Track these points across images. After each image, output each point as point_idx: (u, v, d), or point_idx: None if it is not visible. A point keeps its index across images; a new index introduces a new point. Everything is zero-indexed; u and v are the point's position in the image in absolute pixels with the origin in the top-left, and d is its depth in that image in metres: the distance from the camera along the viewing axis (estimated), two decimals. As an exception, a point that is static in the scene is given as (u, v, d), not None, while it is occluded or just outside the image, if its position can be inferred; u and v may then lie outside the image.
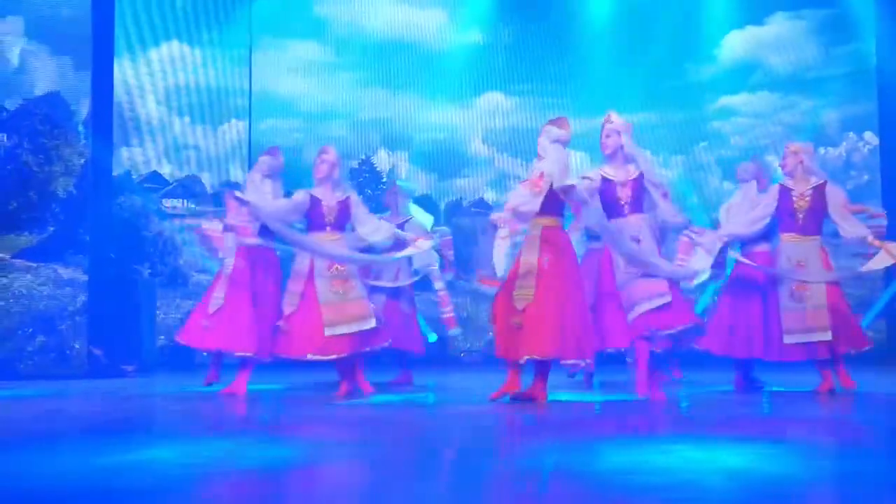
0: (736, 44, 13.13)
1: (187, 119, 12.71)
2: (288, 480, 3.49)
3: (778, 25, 13.07)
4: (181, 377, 9.58)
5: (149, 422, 5.66)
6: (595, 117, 12.90)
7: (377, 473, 3.65)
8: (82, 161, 9.66)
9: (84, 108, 9.77)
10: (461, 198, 13.19)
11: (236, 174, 12.79)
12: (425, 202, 13.08)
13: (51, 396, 7.30)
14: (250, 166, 12.70)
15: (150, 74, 12.63)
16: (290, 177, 12.90)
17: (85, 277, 9.63)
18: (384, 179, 13.17)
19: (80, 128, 9.73)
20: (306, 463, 3.88)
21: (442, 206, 12.98)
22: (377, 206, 13.05)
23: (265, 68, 12.98)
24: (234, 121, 12.81)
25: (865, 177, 12.79)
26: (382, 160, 13.22)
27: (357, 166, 13.17)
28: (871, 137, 12.83)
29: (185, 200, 12.59)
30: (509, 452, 4.21)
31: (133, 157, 12.46)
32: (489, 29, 13.31)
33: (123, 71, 12.12)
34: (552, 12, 13.25)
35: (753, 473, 3.50)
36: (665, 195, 6.88)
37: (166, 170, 12.65)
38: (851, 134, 12.90)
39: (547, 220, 6.64)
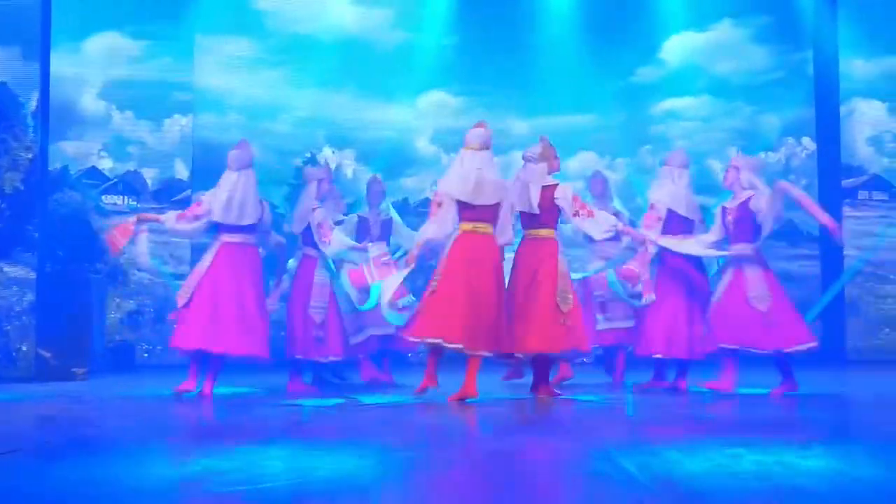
0: (680, 49, 13.29)
1: (129, 113, 12.39)
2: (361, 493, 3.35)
3: (721, 32, 13.26)
4: (135, 380, 9.33)
5: (160, 430, 5.40)
6: (539, 118, 13.09)
7: (450, 486, 3.54)
8: (30, 156, 9.32)
9: (33, 101, 9.42)
10: (407, 197, 13.10)
11: (180, 171, 12.50)
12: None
13: (21, 401, 7.01)
14: (194, 163, 12.49)
15: (89, 66, 12.30)
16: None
17: (33, 276, 9.30)
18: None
19: (29, 120, 9.37)
20: (366, 474, 3.71)
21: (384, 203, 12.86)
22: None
23: (208, 63, 12.73)
24: (176, 116, 12.53)
25: (804, 181, 13.05)
26: (327, 158, 13.04)
27: (301, 164, 12.97)
28: (808, 143, 13.11)
29: (126, 197, 12.28)
30: (573, 456, 4.15)
31: (71, 152, 12.12)
32: (435, 28, 13.24)
33: (62, 62, 11.75)
34: (497, 13, 13.23)
35: (844, 475, 3.52)
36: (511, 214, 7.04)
37: (106, 165, 12.32)
38: (790, 139, 13.16)
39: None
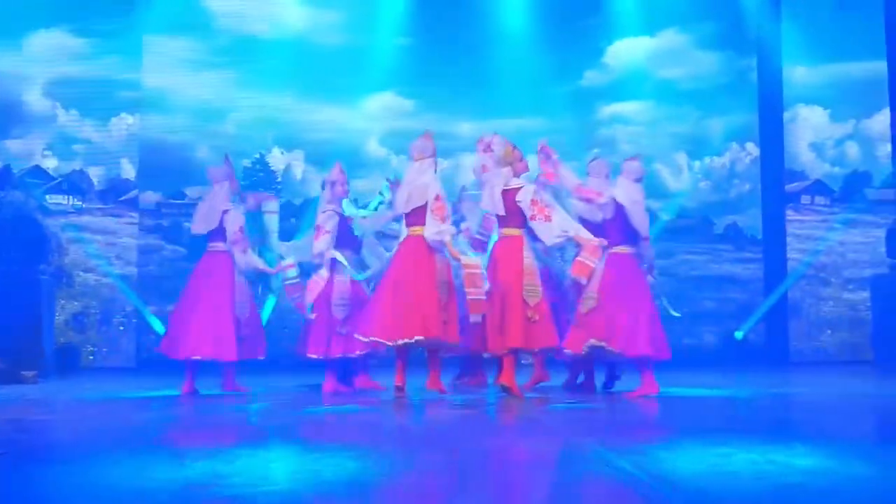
0: (627, 54, 13.41)
1: (74, 112, 12.19)
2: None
3: (667, 37, 13.43)
4: (89, 382, 9.16)
5: (144, 433, 5.27)
6: (488, 120, 13.13)
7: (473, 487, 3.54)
8: (-21, 155, 9.10)
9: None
10: (356, 199, 13.02)
11: (127, 170, 12.33)
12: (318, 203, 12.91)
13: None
14: (141, 162, 12.33)
15: (34, 63, 12.08)
16: (179, 175, 12.62)
17: (-20, 278, 9.09)
18: (279, 179, 12.92)
19: (-21, 119, 9.16)
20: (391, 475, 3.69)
21: (337, 206, 12.76)
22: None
23: (156, 62, 12.55)
24: (123, 115, 12.34)
25: (747, 186, 13.29)
26: (277, 159, 12.96)
27: (250, 165, 12.87)
28: (752, 148, 13.33)
29: (72, 196, 12.07)
30: (565, 457, 4.17)
31: (14, 150, 11.91)
32: (384, 30, 13.20)
33: (5, 59, 11.55)
34: (448, 17, 13.23)
35: (836, 473, 3.60)
36: (434, 210, 7.25)
37: (50, 164, 12.10)
38: (734, 144, 13.37)
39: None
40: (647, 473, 3.55)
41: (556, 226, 7.21)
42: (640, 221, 7.62)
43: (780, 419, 6.03)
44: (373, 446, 4.57)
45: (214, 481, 3.45)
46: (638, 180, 7.76)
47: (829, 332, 12.71)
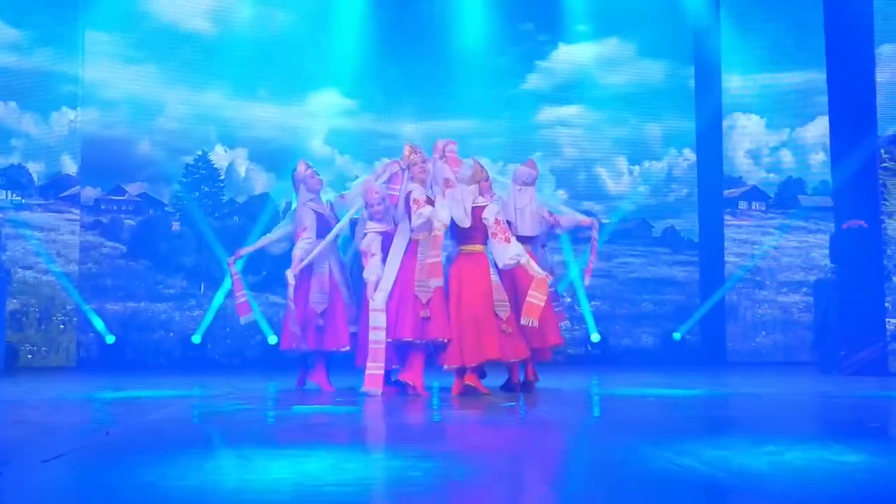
0: (569, 58, 13.60)
1: (12, 104, 11.83)
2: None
3: (610, 45, 13.64)
4: (39, 381, 8.90)
5: (185, 434, 5.11)
6: (431, 122, 13.19)
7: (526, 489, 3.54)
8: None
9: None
10: (302, 198, 12.91)
11: (68, 166, 12.01)
12: (262, 201, 12.80)
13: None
14: (83, 158, 12.03)
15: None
16: (119, 171, 12.35)
17: (-68, 274, 8.77)
18: (222, 177, 12.74)
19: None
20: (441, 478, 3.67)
21: (282, 205, 12.61)
22: (216, 203, 12.68)
23: (98, 57, 12.25)
24: (65, 109, 12.02)
25: (685, 190, 13.59)
26: (220, 157, 12.77)
27: (192, 162, 12.66)
28: (689, 154, 13.63)
29: (10, 192, 11.72)
30: (604, 454, 4.21)
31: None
32: (329, 30, 13.14)
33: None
34: (392, 19, 13.23)
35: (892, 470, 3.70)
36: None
37: (-12, 159, 11.75)
38: (673, 150, 13.65)
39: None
40: (722, 470, 3.61)
41: (512, 250, 7.37)
42: (525, 225, 7.81)
43: (778, 418, 6.14)
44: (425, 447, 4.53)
45: (308, 481, 3.39)
46: (525, 184, 7.96)
47: (763, 333, 13.08)
